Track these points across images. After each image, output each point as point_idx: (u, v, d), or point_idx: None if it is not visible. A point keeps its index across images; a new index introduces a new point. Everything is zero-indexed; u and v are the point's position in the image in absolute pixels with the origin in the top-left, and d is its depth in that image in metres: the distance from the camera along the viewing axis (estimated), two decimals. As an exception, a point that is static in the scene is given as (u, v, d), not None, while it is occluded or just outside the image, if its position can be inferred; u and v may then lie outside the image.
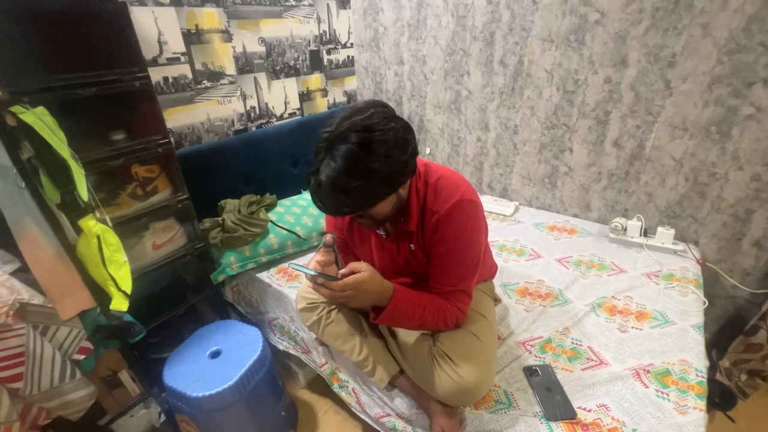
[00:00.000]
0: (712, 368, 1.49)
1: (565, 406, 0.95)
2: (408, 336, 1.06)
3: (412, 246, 0.96)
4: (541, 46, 1.66)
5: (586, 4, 1.50)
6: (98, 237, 1.01)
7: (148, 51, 1.43)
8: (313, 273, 0.82)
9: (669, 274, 1.40)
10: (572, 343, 1.13)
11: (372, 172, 0.75)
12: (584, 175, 1.75)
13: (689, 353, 1.06)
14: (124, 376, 1.26)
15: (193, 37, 1.55)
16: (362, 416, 1.23)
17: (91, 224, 1.02)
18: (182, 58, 1.54)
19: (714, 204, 1.48)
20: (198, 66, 1.59)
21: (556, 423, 0.91)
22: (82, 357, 1.03)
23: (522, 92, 1.79)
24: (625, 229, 1.61)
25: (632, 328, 1.17)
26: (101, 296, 1.05)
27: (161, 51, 1.47)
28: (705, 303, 1.26)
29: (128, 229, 1.23)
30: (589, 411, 0.94)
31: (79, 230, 1.02)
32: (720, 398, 1.37)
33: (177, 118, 1.58)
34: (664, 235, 1.53)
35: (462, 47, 1.90)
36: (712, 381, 1.40)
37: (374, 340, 1.10)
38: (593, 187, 1.75)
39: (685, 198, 1.54)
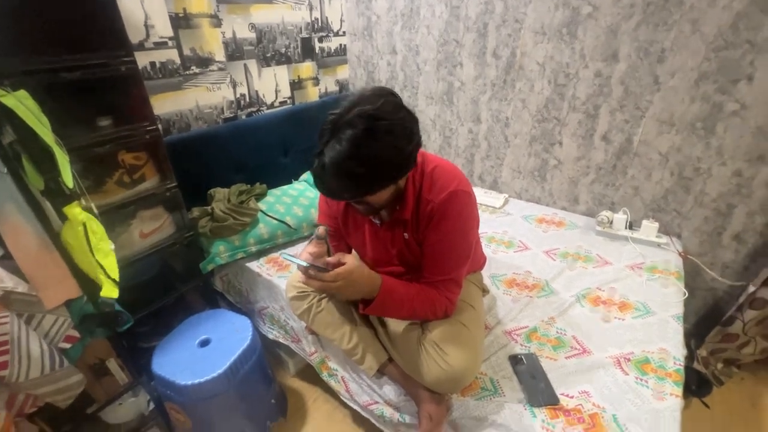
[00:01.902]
0: (690, 357, 1.54)
1: (548, 393, 0.97)
2: (397, 325, 1.08)
3: (406, 235, 0.97)
4: (533, 38, 1.66)
5: (579, -4, 1.50)
6: (84, 225, 1.00)
7: (135, 35, 1.39)
8: (304, 264, 0.83)
9: (652, 266, 1.44)
10: (557, 332, 1.16)
11: (376, 159, 0.75)
12: (573, 168, 1.78)
13: (668, 342, 1.10)
14: (112, 365, 1.25)
15: (182, 21, 1.51)
16: (351, 404, 1.25)
17: (76, 212, 1.00)
18: (170, 43, 1.50)
19: (697, 198, 1.51)
20: (186, 51, 1.56)
21: (540, 409, 0.94)
22: (68, 345, 1.02)
23: (514, 85, 1.80)
24: (612, 222, 1.64)
25: (615, 318, 1.20)
26: (88, 285, 1.04)
27: (148, 35, 1.43)
28: (685, 294, 1.30)
29: (115, 217, 1.21)
30: (572, 397, 0.97)
31: (64, 218, 1.00)
32: (697, 385, 1.42)
33: (165, 105, 1.55)
34: (649, 228, 1.57)
35: (455, 38, 1.89)
36: (689, 369, 1.45)
37: (364, 329, 1.11)
38: (581, 181, 1.78)
39: (670, 192, 1.57)
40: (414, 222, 0.94)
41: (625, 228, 1.62)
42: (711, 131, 1.40)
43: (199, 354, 1.19)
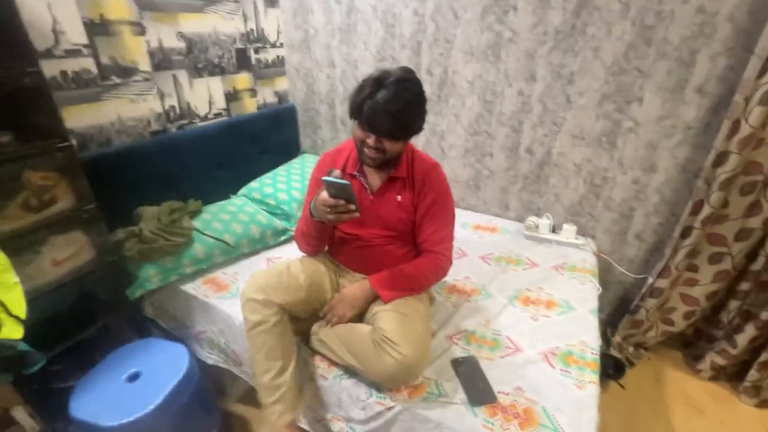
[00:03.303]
0: (607, 344, 1.74)
1: (487, 392, 1.04)
2: (349, 328, 1.10)
3: (399, 197, 1.13)
4: (463, 58, 1.78)
5: (501, 22, 1.64)
6: (-20, 256, 0.88)
7: (41, 42, 1.25)
8: (347, 183, 0.88)
9: (572, 265, 1.60)
10: (493, 333, 1.25)
11: (411, 107, 0.98)
12: (503, 177, 1.92)
13: (587, 335, 1.23)
14: (20, 413, 1.10)
15: (98, 27, 1.40)
16: (299, 425, 1.22)
17: (-31, 242, 0.87)
18: (85, 51, 1.37)
19: (606, 203, 1.72)
20: (105, 60, 1.44)
21: (480, 408, 1.00)
22: (-39, 397, 0.89)
23: (447, 100, 1.91)
24: (538, 227, 1.80)
25: (542, 316, 1.32)
26: (-14, 324, 0.91)
27: (57, 41, 1.30)
28: (599, 290, 1.47)
29: (20, 244, 1.08)
30: (507, 394, 1.04)
31: (-47, 250, 0.87)
32: (613, 369, 1.60)
33: (80, 118, 1.41)
34: (569, 231, 1.74)
35: (391, 54, 1.96)
36: (606, 356, 1.63)
37: (293, 380, 1.07)
38: (511, 189, 1.93)
39: (584, 198, 1.76)
40: (409, 182, 1.13)
41: (549, 231, 1.79)
42: (613, 145, 1.61)
43: (128, 390, 1.09)
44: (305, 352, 1.18)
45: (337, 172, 0.96)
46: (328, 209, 0.94)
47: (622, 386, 1.57)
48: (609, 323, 1.85)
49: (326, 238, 1.20)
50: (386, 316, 1.05)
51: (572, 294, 1.42)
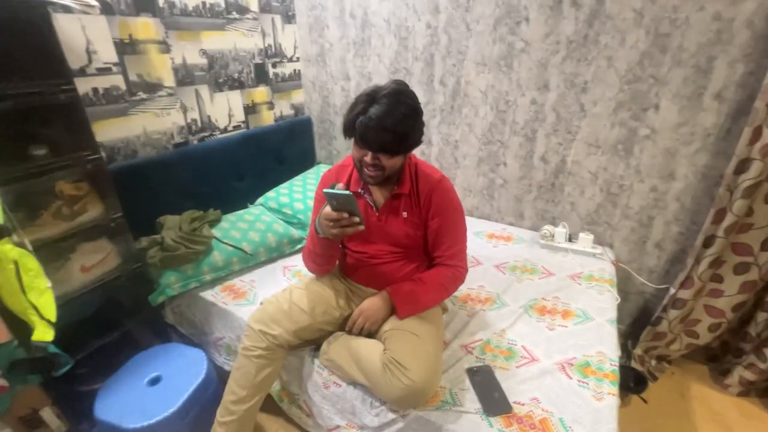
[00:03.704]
0: (628, 356, 1.69)
1: (502, 402, 1.03)
2: (362, 346, 1.10)
3: (404, 214, 1.11)
4: (475, 68, 1.80)
5: (513, 33, 1.66)
6: (15, 262, 0.93)
7: (75, 61, 1.34)
8: (349, 193, 0.87)
9: (589, 275, 1.57)
10: (508, 343, 1.23)
11: (406, 119, 0.95)
12: (517, 186, 1.92)
13: (605, 345, 1.21)
14: (47, 414, 1.15)
15: (127, 47, 1.48)
16: (314, 431, 1.23)
17: (6, 249, 0.93)
18: (114, 69, 1.46)
19: (623, 212, 1.69)
20: (133, 77, 1.52)
21: (495, 418, 0.99)
22: (-5, 396, 0.93)
23: (461, 110, 1.93)
24: (553, 236, 1.78)
25: (558, 326, 1.30)
26: (19, 328, 0.96)
27: (90, 61, 1.38)
28: (618, 300, 1.44)
29: (52, 251, 1.14)
30: (523, 405, 1.03)
31: (-8, 256, 0.93)
32: (634, 383, 1.55)
33: (109, 131, 1.49)
34: (585, 240, 1.72)
35: (405, 66, 2.00)
36: (626, 368, 1.58)
37: (247, 416, 1.11)
38: (525, 198, 1.92)
39: (601, 207, 1.74)
40: (414, 198, 1.11)
41: (565, 240, 1.77)
42: (630, 152, 1.59)
43: (149, 393, 1.13)
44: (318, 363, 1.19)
45: (340, 185, 0.95)
46: (332, 223, 0.93)
47: (645, 400, 1.52)
48: (629, 335, 1.80)
49: (333, 256, 1.17)
50: (398, 337, 1.05)
51: (590, 304, 1.40)
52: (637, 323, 1.81)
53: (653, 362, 1.68)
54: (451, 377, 1.11)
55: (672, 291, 1.57)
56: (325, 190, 0.89)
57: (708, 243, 1.43)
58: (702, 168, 1.48)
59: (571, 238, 1.80)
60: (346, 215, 0.91)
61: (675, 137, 1.48)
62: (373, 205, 1.14)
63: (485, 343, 1.23)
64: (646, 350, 1.70)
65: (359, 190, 1.14)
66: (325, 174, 1.23)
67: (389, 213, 1.13)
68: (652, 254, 1.69)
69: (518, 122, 1.79)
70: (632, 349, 1.71)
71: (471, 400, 1.05)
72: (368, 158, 0.98)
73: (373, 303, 1.13)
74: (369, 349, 1.07)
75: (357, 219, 0.92)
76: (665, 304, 1.59)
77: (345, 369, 1.10)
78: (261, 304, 1.18)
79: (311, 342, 1.20)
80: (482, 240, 1.87)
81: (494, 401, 1.03)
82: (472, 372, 1.12)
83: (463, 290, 1.49)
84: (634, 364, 1.65)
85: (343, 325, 1.19)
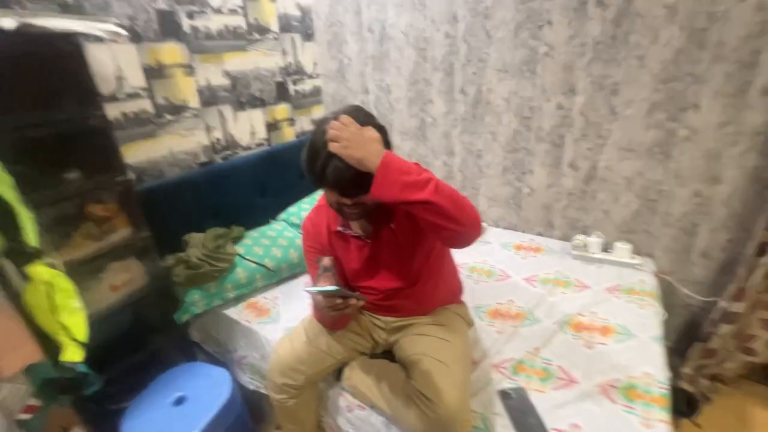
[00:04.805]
0: (676, 376, 1.55)
1: (538, 428, 0.95)
2: (384, 374, 1.06)
3: (392, 225, 0.99)
4: (497, 75, 1.76)
5: (536, 37, 1.61)
6: (48, 283, 0.95)
7: (106, 87, 1.39)
8: (335, 288, 0.82)
9: (629, 287, 1.47)
10: (543, 363, 1.16)
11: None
12: (545, 195, 1.84)
13: (652, 366, 1.11)
14: (77, 433, 1.16)
15: (154, 72, 1.54)
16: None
17: (40, 270, 0.95)
18: (142, 93, 1.51)
19: (663, 219, 1.58)
20: (159, 100, 1.57)
21: (532, 447, 0.92)
22: (28, 416, 0.95)
23: (483, 119, 1.88)
24: (586, 246, 1.68)
25: (598, 343, 1.21)
26: (51, 348, 0.98)
27: (120, 86, 1.44)
28: (665, 315, 1.33)
29: (83, 271, 1.16)
30: (562, 431, 0.95)
31: (26, 277, 0.95)
32: (685, 405, 1.42)
33: (137, 153, 1.54)
34: (622, 250, 1.61)
35: (424, 77, 1.98)
36: (676, 389, 1.45)
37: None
38: (554, 206, 1.84)
39: (638, 214, 1.63)
40: (393, 205, 0.89)
41: (600, 250, 1.67)
42: (668, 155, 1.49)
43: (174, 414, 1.12)
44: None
45: (326, 260, 0.88)
46: (328, 309, 0.87)
47: (698, 425, 1.39)
48: (674, 351, 1.66)
49: (344, 317, 1.05)
50: (422, 365, 0.98)
51: (631, 319, 1.30)
52: (683, 339, 1.66)
53: (706, 382, 1.54)
54: (483, 400, 1.05)
55: (722, 304, 1.43)
56: (306, 289, 0.86)
57: (762, 251, 1.31)
58: (751, 170, 1.36)
59: (606, 248, 1.69)
60: (339, 301, 0.85)
61: (718, 138, 1.38)
62: (361, 235, 1.04)
63: (518, 363, 1.16)
64: (696, 369, 1.55)
65: (339, 228, 1.04)
66: (305, 224, 1.14)
67: (381, 233, 1.02)
68: (698, 264, 1.57)
69: (544, 128, 1.72)
70: (680, 368, 1.57)
71: (504, 426, 0.98)
72: (347, 201, 0.88)
73: (369, 137, 0.80)
74: (392, 377, 1.03)
75: (353, 301, 0.86)
76: (715, 319, 1.46)
77: (369, 396, 1.06)
78: (276, 352, 1.14)
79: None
80: (509, 251, 1.79)
81: (530, 427, 0.96)
82: (504, 395, 1.05)
83: (491, 305, 1.42)
84: (684, 385, 1.51)
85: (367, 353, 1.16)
